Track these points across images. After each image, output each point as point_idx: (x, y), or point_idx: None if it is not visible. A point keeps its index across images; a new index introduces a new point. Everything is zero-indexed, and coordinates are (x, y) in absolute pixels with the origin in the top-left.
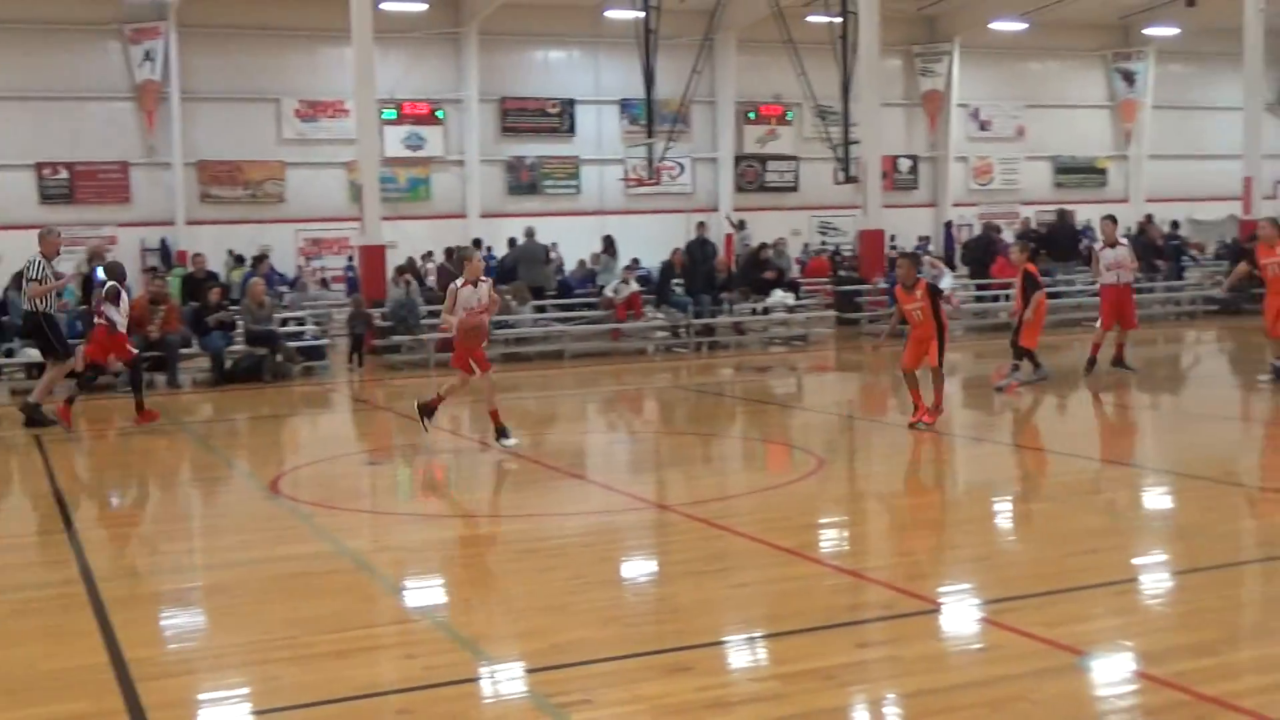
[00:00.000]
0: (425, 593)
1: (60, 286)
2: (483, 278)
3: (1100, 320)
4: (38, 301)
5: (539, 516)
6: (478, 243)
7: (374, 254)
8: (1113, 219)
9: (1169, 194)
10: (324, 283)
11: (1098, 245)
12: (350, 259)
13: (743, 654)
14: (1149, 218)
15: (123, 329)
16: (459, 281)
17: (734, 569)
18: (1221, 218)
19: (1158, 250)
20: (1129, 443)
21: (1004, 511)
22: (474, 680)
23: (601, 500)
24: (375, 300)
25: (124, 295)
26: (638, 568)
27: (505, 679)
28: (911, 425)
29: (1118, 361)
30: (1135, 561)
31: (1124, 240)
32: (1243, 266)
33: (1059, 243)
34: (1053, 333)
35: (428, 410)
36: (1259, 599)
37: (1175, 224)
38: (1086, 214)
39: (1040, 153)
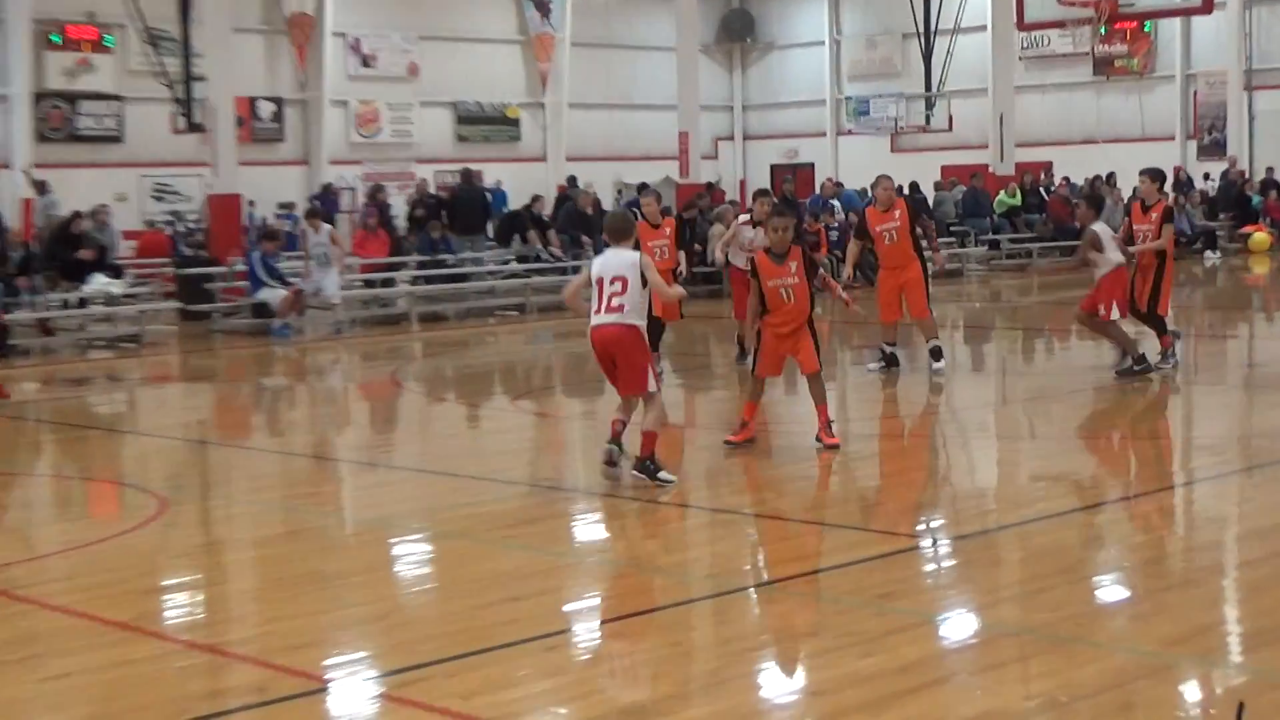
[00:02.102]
0: None
1: None
2: None
3: (735, 309)
4: None
5: None
6: None
7: None
8: (765, 192)
9: (593, 151)
10: None
11: (742, 219)
12: None
13: None
14: (572, 180)
15: None
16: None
17: (47, 655)
18: (657, 180)
19: (586, 221)
20: (556, 460)
21: (406, 555)
22: None
23: None
24: None
25: None
26: None
27: None
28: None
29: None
30: (568, 608)
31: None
32: (854, 246)
33: (465, 211)
34: (460, 326)
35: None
36: (710, 643)
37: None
38: (498, 174)
39: (438, 97)
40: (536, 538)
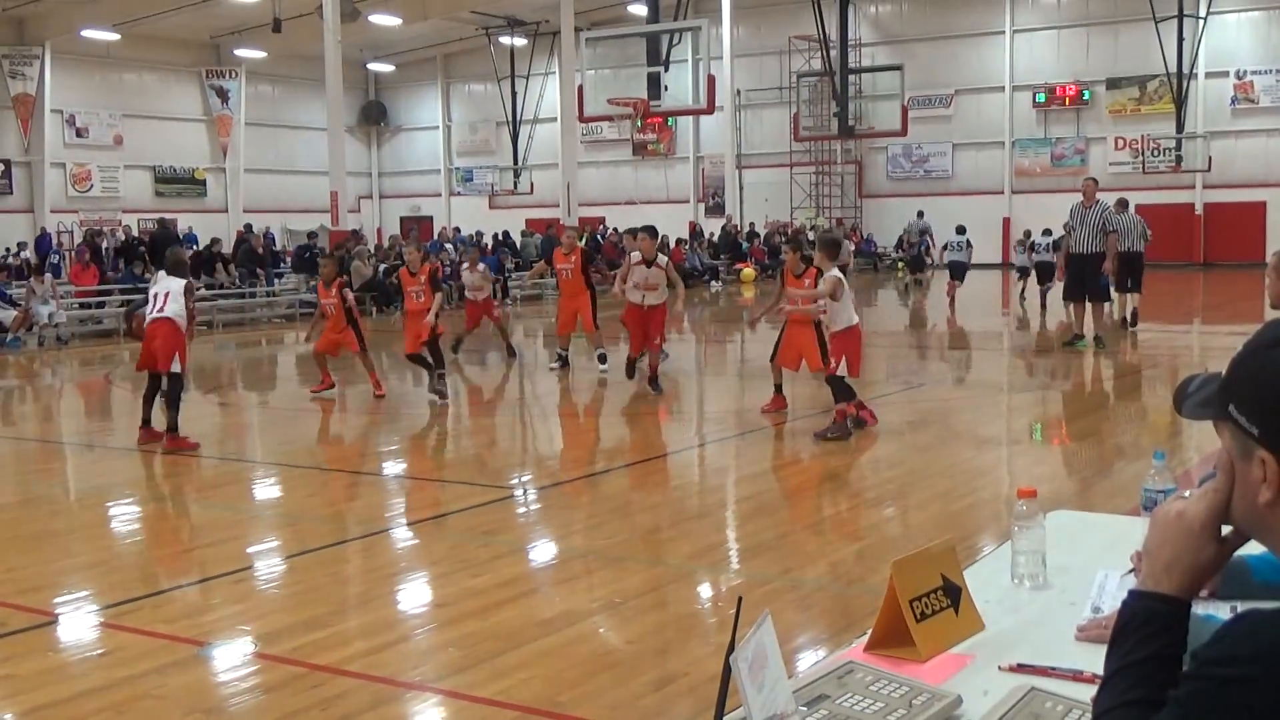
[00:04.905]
0: None
1: None
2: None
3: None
4: None
5: None
6: None
7: None
8: (652, 230)
9: (265, 205)
10: None
11: (634, 257)
12: None
13: None
14: (248, 226)
15: None
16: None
17: None
18: (315, 226)
19: (259, 257)
20: (240, 439)
21: (119, 516)
22: None
23: None
24: None
25: None
26: None
27: None
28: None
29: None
30: (251, 550)
31: (665, 257)
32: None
33: (163, 250)
34: None
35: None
36: (360, 572)
37: (272, 234)
38: (189, 222)
39: (140, 161)
40: (225, 498)
